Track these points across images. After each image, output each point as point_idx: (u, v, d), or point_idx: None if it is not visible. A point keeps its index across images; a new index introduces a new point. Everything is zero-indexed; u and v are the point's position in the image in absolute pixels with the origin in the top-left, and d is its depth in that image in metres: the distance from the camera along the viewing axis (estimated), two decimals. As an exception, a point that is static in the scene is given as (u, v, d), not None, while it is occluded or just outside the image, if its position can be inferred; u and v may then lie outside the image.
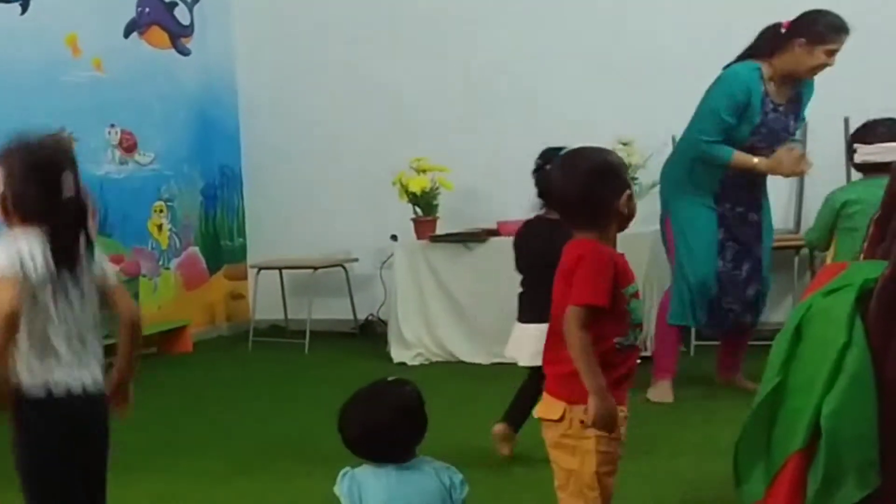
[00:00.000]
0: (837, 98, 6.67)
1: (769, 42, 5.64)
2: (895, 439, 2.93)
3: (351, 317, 8.48)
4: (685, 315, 5.92)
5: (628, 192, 3.21)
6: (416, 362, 7.31)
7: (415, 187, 7.39)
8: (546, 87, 7.82)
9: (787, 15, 5.67)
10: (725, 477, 3.38)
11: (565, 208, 3.35)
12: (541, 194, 4.76)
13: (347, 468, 2.86)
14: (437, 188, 7.52)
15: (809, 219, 6.99)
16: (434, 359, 7.37)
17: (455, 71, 8.21)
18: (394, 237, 7.60)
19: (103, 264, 3.18)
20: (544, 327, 3.32)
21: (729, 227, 5.88)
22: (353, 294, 8.42)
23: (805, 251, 7.00)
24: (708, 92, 5.73)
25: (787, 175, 5.87)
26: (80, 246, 3.07)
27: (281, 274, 8.74)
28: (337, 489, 2.84)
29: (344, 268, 8.42)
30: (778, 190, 6.45)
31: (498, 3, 8.15)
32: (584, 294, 3.07)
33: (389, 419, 2.84)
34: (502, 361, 5.92)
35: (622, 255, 3.22)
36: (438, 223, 7.59)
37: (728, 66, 5.77)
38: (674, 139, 6.42)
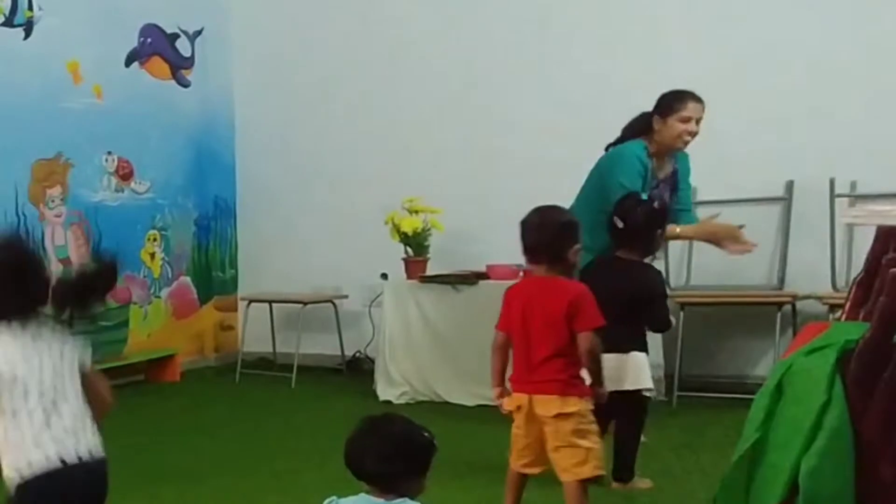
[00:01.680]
0: (823, 159, 6.86)
1: (641, 125, 5.90)
2: (872, 498, 2.98)
3: (339, 353, 8.52)
4: None
5: (577, 246, 4.25)
6: (401, 401, 7.32)
7: (406, 227, 7.43)
8: (539, 137, 7.89)
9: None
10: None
11: (534, 252, 4.29)
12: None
13: (333, 497, 2.92)
14: (428, 229, 7.56)
15: (793, 275, 7.20)
16: (419, 398, 7.36)
17: (451, 115, 8.28)
18: (384, 276, 7.63)
19: (80, 351, 3.17)
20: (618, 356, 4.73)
21: None
22: (341, 330, 8.44)
23: (787, 308, 7.05)
24: (607, 170, 5.88)
25: (724, 247, 5.90)
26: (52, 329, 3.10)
27: (271, 307, 8.78)
28: None
29: (333, 304, 8.45)
30: (763, 247, 6.51)
31: (498, 53, 8.22)
32: (598, 319, 4.12)
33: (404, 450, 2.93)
34: (486, 403, 6.04)
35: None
36: (429, 264, 7.62)
37: (612, 145, 6.01)
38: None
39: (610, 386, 4.39)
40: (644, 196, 5.44)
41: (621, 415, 4.95)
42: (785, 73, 7.18)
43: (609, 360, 4.45)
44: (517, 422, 4.22)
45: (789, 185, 7.31)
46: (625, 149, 5.88)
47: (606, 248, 5.31)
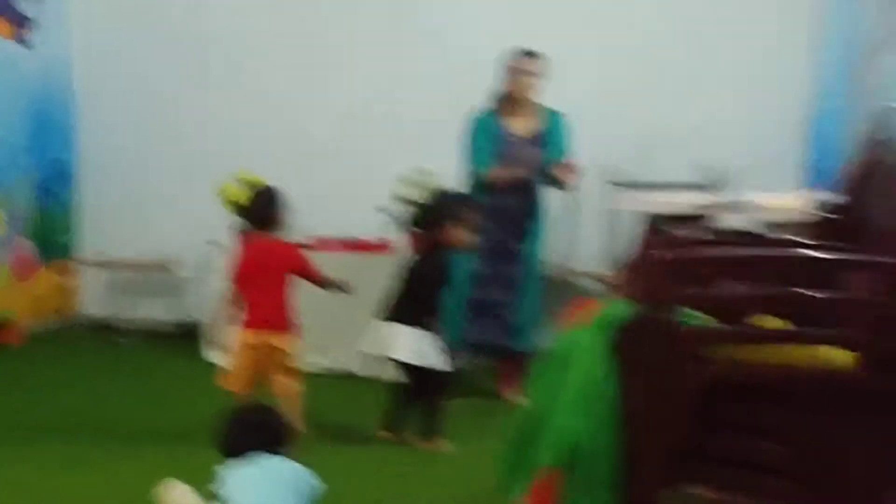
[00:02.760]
0: (604, 148, 7.50)
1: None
2: (636, 458, 3.25)
3: (173, 317, 8.64)
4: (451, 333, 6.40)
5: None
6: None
7: (238, 198, 7.52)
8: (371, 112, 8.18)
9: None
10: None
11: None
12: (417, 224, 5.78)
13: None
14: (259, 200, 7.65)
15: (577, 254, 7.88)
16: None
17: (285, 90, 8.46)
18: (216, 244, 7.73)
19: None
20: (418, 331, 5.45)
21: (488, 257, 6.42)
22: (176, 296, 8.56)
23: (573, 282, 7.60)
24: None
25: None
26: None
27: (108, 271, 8.83)
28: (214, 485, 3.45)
29: (169, 269, 8.56)
30: (553, 227, 7.08)
31: (330, 27, 8.46)
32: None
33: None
34: (313, 371, 6.56)
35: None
36: (261, 234, 7.72)
37: None
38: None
39: (386, 352, 5.51)
40: None
41: (427, 385, 5.50)
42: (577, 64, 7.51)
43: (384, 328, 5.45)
44: None
45: None
46: (471, 116, 6.48)
47: None
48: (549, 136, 6.50)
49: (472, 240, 5.68)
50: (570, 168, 6.43)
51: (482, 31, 7.77)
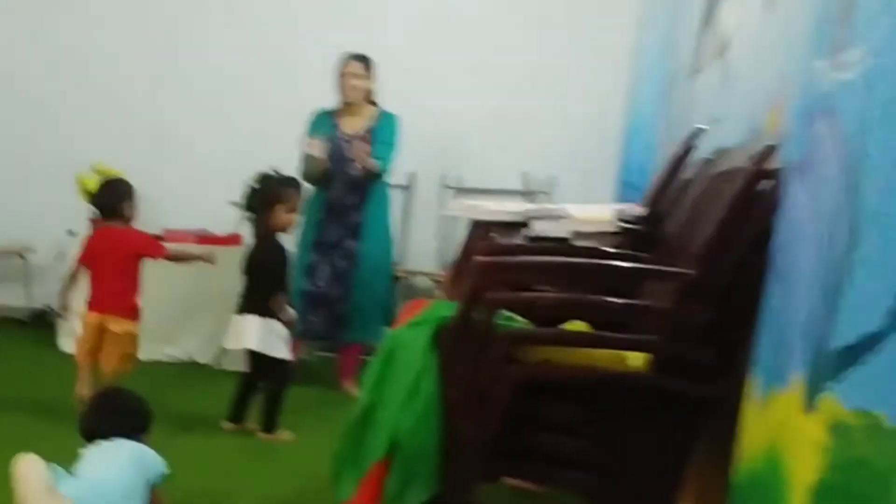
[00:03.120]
0: (439, 155, 8.04)
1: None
2: (454, 452, 3.51)
3: (25, 305, 8.62)
4: None
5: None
6: (83, 354, 7.53)
7: (93, 188, 7.61)
8: (224, 107, 8.33)
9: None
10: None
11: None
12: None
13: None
14: (114, 191, 7.74)
15: (410, 252, 8.22)
16: (100, 352, 7.59)
17: (132, 78, 8.50)
18: (71, 232, 7.81)
19: None
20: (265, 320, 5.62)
21: (324, 251, 6.80)
22: (29, 283, 8.59)
23: (405, 281, 7.94)
24: None
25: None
26: None
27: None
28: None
29: (22, 256, 8.55)
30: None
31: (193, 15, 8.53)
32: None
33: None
34: (160, 360, 7.06)
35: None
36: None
37: None
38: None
39: (238, 344, 5.78)
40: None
41: (267, 374, 5.73)
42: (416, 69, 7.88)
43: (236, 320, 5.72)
44: None
45: (412, 176, 8.14)
46: (312, 113, 6.87)
47: None
48: (376, 134, 6.81)
49: (294, 221, 6.00)
50: (363, 150, 6.74)
51: (324, 30, 8.03)
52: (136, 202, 5.96)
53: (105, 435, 3.73)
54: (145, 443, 3.82)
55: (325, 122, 6.87)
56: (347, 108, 6.88)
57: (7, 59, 8.71)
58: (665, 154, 5.26)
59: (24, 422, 5.60)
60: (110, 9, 8.61)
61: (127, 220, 5.89)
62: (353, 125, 6.86)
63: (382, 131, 6.83)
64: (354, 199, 6.85)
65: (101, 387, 4.74)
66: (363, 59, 6.83)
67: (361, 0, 8.29)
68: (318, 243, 6.84)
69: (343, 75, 6.81)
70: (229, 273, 6.06)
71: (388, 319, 6.33)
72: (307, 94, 7.04)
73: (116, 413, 3.87)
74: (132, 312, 5.78)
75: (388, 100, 6.98)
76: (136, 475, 3.63)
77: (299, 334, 6.66)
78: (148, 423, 3.93)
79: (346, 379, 6.86)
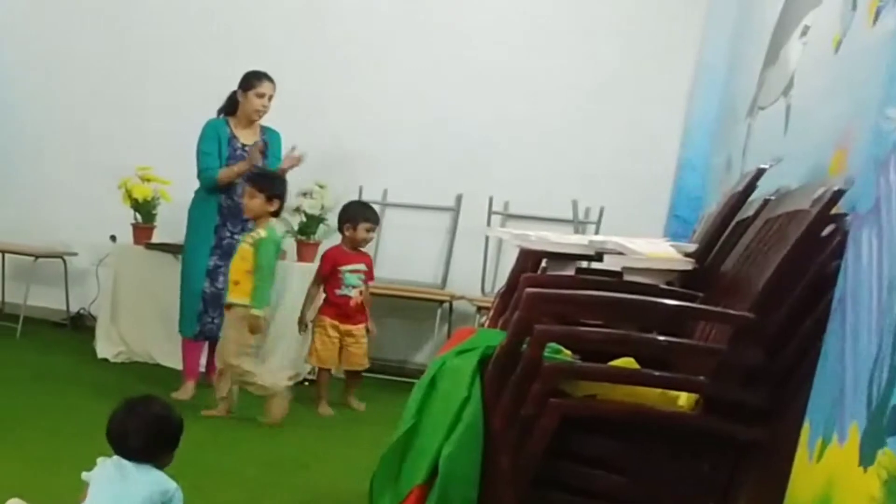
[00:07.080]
0: (486, 179, 7.99)
1: (233, 102, 6.95)
2: (492, 482, 3.47)
3: (64, 308, 8.64)
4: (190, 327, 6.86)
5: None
6: (118, 360, 7.54)
7: (137, 194, 7.64)
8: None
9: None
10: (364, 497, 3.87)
11: None
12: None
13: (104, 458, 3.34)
14: (157, 198, 7.79)
15: (455, 275, 8.17)
16: (135, 358, 7.60)
17: (192, 88, 8.39)
18: (113, 238, 7.83)
19: None
20: None
21: (221, 254, 6.80)
22: (68, 286, 8.59)
23: (447, 305, 7.92)
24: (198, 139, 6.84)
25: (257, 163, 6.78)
26: None
27: (3, 257, 8.84)
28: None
29: (63, 259, 8.56)
30: (433, 249, 7.99)
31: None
32: None
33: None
34: None
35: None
36: (155, 231, 7.87)
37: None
38: (361, 189, 7.91)
39: None
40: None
41: None
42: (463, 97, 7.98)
43: None
44: None
45: (458, 198, 8.16)
46: (207, 123, 6.90)
47: None
48: (268, 149, 6.89)
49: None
50: (293, 161, 6.90)
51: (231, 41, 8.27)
52: None
53: (130, 454, 3.36)
54: (170, 461, 3.48)
55: (218, 131, 6.89)
56: (243, 120, 6.94)
57: (50, 65, 8.77)
58: (720, 190, 5.19)
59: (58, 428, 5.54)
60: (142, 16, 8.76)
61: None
62: (247, 137, 6.92)
63: (273, 146, 6.95)
64: None
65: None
66: (271, 79, 6.88)
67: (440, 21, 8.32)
68: (215, 247, 6.82)
69: (259, 95, 6.84)
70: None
71: None
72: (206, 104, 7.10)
73: (148, 431, 3.40)
74: None
75: (434, 120, 6.96)
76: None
77: (197, 335, 6.79)
78: (177, 440, 3.52)
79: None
